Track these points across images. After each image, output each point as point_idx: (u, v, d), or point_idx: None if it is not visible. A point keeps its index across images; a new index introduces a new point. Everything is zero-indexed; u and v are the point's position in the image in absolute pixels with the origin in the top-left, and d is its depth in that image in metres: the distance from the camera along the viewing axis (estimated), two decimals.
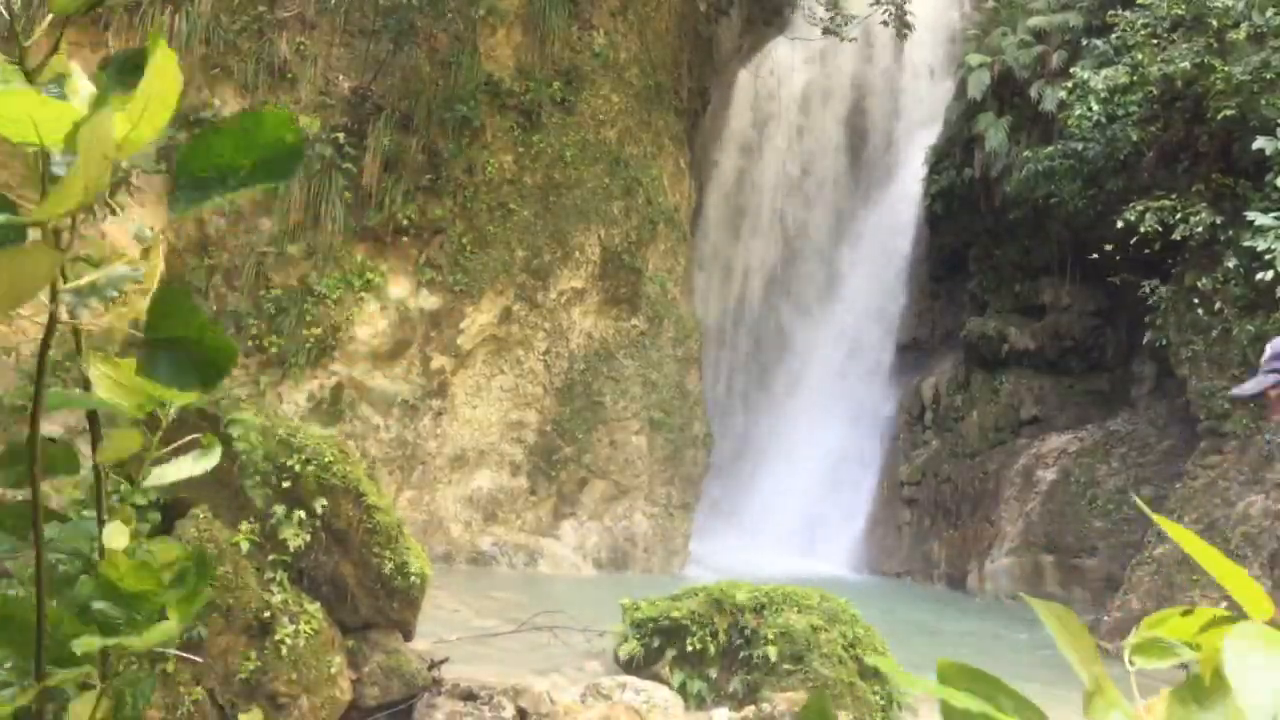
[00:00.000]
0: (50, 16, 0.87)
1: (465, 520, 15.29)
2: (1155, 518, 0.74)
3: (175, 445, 1.14)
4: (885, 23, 20.18)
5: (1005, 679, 0.71)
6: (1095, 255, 16.34)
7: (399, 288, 15.04)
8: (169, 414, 1.02)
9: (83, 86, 0.85)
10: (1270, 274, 12.84)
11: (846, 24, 19.65)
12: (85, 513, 1.03)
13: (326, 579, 7.26)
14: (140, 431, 0.96)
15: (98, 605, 0.93)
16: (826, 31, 19.77)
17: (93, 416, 0.91)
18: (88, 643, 0.89)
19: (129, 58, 0.86)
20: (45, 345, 0.84)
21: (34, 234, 0.81)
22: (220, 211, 14.02)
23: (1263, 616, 0.71)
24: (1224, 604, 0.75)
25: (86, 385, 0.89)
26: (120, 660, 0.98)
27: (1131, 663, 0.79)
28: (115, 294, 0.87)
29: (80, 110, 0.76)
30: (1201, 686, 0.68)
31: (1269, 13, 13.95)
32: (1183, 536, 0.71)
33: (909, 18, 19.99)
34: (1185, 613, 0.76)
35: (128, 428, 0.96)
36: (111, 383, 0.88)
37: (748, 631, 8.62)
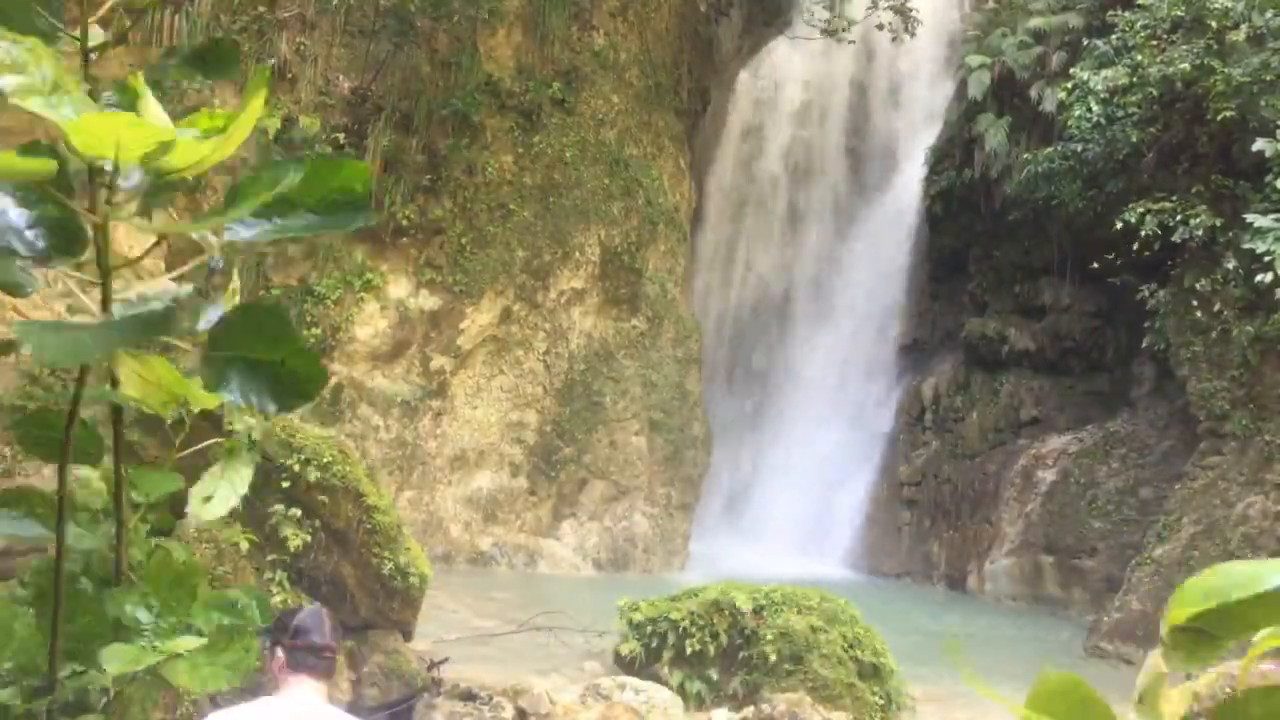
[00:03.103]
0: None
1: (465, 521, 15.29)
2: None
3: (188, 450, 1.14)
4: (881, 26, 20.10)
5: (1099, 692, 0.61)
6: (1095, 258, 16.34)
7: (399, 288, 15.03)
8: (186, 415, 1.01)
9: (153, 106, 0.84)
10: (1270, 276, 12.83)
11: (847, 28, 19.58)
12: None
13: (326, 579, 7.26)
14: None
15: (130, 611, 0.92)
16: (825, 33, 19.75)
17: (116, 413, 0.91)
18: (116, 652, 0.88)
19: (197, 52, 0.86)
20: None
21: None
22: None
23: None
24: None
25: (113, 382, 0.88)
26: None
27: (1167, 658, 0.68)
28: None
29: (170, 133, 0.76)
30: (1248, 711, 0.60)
31: (1269, 14, 13.95)
32: None
33: (914, 14, 19.90)
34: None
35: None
36: (139, 380, 0.87)
37: (747, 632, 8.62)
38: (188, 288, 0.85)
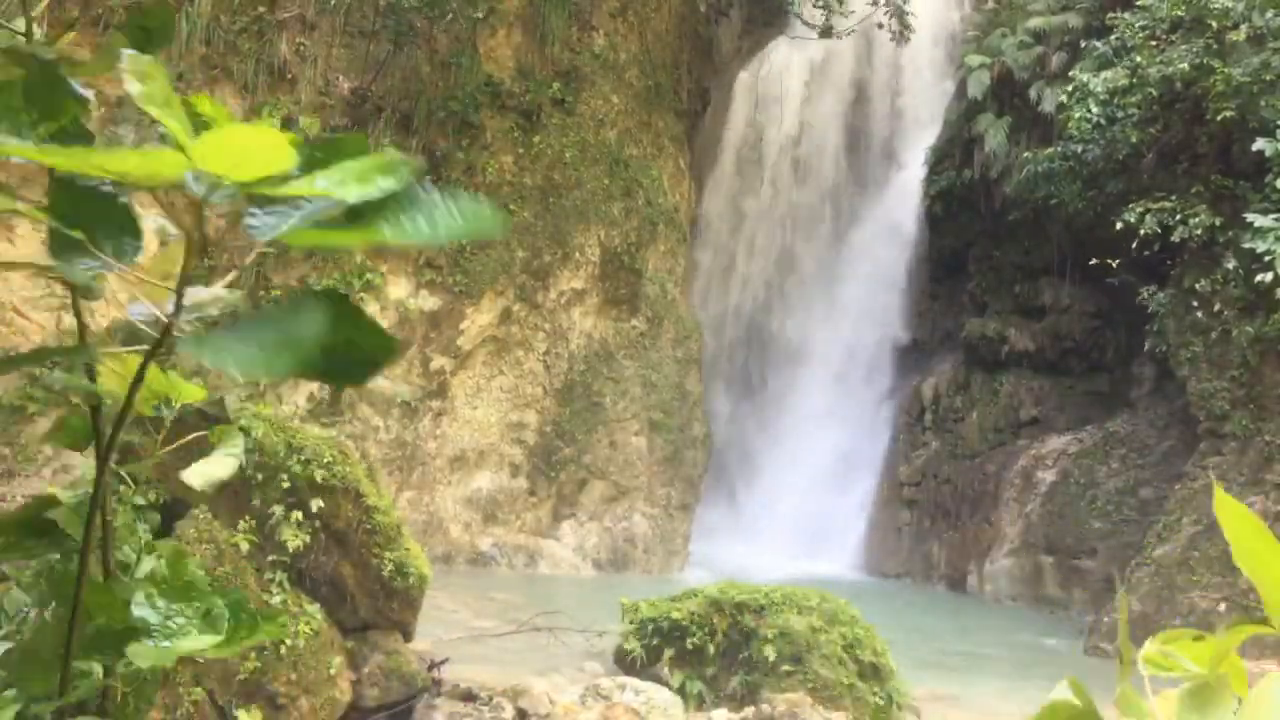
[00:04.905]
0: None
1: (465, 521, 15.28)
2: (1218, 489, 0.67)
3: (179, 444, 1.14)
4: (881, 25, 20.13)
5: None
6: (1095, 258, 16.33)
7: (398, 288, 15.04)
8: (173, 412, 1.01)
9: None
10: (1269, 275, 12.83)
11: (843, 17, 19.61)
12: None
13: (326, 580, 7.26)
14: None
15: (139, 613, 0.92)
16: (823, 35, 19.80)
17: (96, 413, 0.90)
18: (140, 650, 0.88)
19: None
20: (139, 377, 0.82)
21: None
22: (220, 211, 14.00)
23: None
24: (1223, 605, 0.72)
25: (91, 379, 0.88)
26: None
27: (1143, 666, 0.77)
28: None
29: (291, 162, 0.73)
30: (1208, 696, 0.66)
31: (1269, 14, 13.94)
32: (1241, 519, 0.66)
33: (909, 19, 19.93)
34: (1197, 638, 0.73)
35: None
36: (118, 377, 0.87)
37: (747, 632, 8.62)
38: (237, 292, 0.85)
